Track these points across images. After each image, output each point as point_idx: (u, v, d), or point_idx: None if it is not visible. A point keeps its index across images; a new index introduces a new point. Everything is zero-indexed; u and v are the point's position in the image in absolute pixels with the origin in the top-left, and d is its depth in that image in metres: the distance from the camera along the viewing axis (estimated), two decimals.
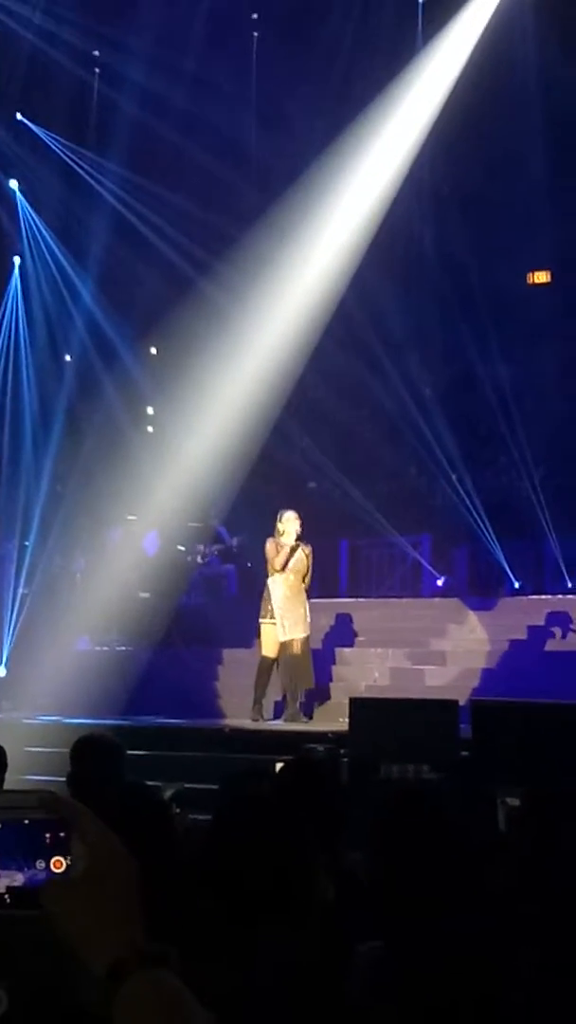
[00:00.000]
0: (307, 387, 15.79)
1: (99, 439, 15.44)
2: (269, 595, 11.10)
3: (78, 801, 1.56)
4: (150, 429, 17.11)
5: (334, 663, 12.40)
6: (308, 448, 16.91)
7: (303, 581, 11.17)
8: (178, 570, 14.75)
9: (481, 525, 15.27)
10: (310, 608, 11.30)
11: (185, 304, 15.41)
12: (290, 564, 11.10)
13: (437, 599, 14.33)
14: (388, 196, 14.76)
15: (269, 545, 11.19)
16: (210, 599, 15.32)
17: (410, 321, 16.46)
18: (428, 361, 16.86)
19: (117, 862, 1.51)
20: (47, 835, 1.54)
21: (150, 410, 17.23)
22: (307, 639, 11.11)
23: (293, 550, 11.10)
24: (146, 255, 15.86)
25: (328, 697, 11.66)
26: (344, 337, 15.61)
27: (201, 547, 15.53)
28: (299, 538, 11.19)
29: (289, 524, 11.16)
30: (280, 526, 11.18)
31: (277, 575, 11.09)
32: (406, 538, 15.57)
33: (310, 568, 11.23)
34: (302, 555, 11.13)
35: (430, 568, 15.39)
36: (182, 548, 15.29)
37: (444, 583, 15.18)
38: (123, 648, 13.49)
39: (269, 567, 11.16)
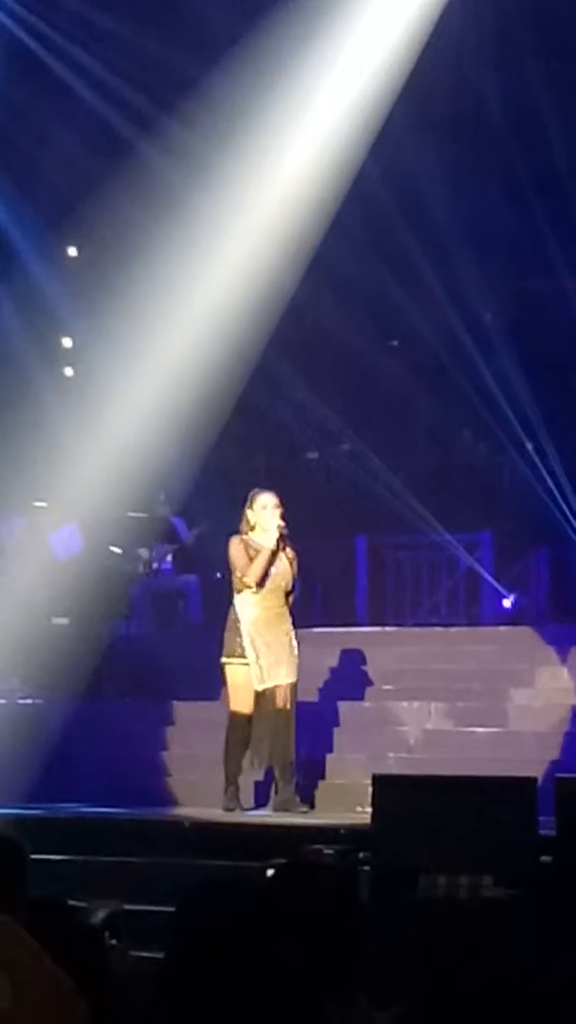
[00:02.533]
0: (305, 308, 15.31)
1: None
2: (237, 621, 10.38)
3: None
4: (68, 371, 16.44)
5: (346, 725, 11.66)
6: (307, 400, 16.48)
7: (286, 600, 10.43)
8: (111, 584, 14.03)
9: (570, 518, 14.99)
10: (302, 639, 10.73)
11: (119, 181, 14.44)
12: (269, 576, 10.36)
13: (503, 628, 13.55)
14: (431, 14, 13.53)
15: (235, 547, 10.41)
16: (159, 627, 14.82)
17: (463, 210, 15.47)
18: (489, 271, 15.99)
19: (56, 1001, 1.36)
20: None
21: (68, 342, 16.49)
22: (294, 687, 10.37)
23: (274, 555, 10.27)
24: (60, 106, 14.87)
25: (339, 775, 11.05)
26: (362, 233, 14.92)
27: (146, 549, 14.90)
28: (281, 536, 10.34)
29: (265, 515, 10.28)
30: (251, 515, 10.33)
31: (248, 592, 10.32)
32: (457, 536, 15.00)
33: (295, 580, 10.54)
34: (285, 562, 10.35)
35: (492, 581, 14.91)
36: (117, 550, 14.48)
37: (514, 604, 14.77)
38: (28, 701, 12.92)
39: (235, 580, 10.47)
